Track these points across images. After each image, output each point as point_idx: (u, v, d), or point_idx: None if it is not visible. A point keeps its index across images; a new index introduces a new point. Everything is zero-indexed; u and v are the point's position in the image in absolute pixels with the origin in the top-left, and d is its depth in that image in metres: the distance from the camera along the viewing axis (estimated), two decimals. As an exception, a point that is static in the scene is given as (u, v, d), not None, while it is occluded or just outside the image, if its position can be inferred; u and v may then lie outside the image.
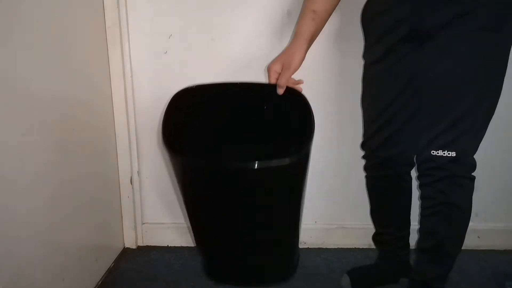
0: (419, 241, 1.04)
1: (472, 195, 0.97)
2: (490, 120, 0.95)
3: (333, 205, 1.43)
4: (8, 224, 0.82)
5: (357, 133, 1.37)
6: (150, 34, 1.27)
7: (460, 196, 0.95)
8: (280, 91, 1.00)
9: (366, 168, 1.19)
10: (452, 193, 0.94)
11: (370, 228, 1.44)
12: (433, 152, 0.92)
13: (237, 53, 1.28)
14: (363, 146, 1.15)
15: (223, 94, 1.06)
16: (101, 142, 1.25)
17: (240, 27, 1.26)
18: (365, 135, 1.15)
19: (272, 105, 1.04)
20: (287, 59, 0.98)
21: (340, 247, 1.44)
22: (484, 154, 1.34)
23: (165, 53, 1.29)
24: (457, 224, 0.98)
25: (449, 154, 0.91)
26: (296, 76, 1.03)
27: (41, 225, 0.93)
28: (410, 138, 1.04)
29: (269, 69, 1.00)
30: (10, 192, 0.82)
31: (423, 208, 0.99)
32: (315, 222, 1.44)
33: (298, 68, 0.98)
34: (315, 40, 1.04)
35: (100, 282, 1.23)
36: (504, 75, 0.92)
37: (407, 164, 1.11)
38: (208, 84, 1.07)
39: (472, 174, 0.96)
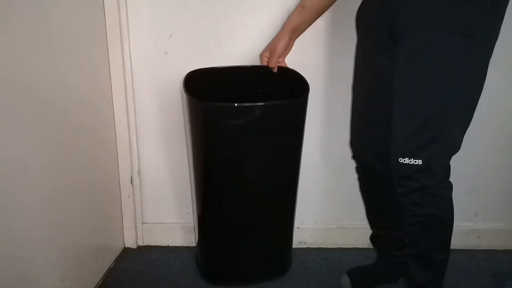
0: (407, 247, 1.03)
1: (451, 202, 0.95)
2: (466, 126, 0.92)
3: (333, 205, 1.43)
4: (8, 224, 0.82)
5: (357, 133, 1.37)
6: (150, 34, 1.27)
7: (437, 207, 0.93)
8: (274, 70, 1.16)
9: (356, 169, 1.20)
10: (428, 204, 0.92)
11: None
12: (400, 160, 0.90)
13: (237, 53, 1.28)
14: (350, 145, 1.18)
15: (231, 74, 1.22)
16: (101, 142, 1.25)
17: (240, 27, 1.26)
18: (350, 134, 1.19)
19: (270, 81, 1.19)
20: (273, 46, 1.13)
21: (340, 247, 1.44)
22: (484, 154, 1.35)
23: (165, 53, 1.29)
24: (438, 234, 0.97)
25: (415, 162, 0.88)
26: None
27: (41, 225, 0.93)
28: (383, 141, 1.02)
29: (260, 55, 1.21)
30: (10, 192, 0.82)
31: (404, 217, 0.98)
32: (315, 222, 1.45)
33: (282, 53, 1.12)
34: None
35: (100, 282, 1.23)
36: (481, 80, 0.89)
37: (386, 167, 1.09)
38: (215, 67, 1.22)
39: (446, 182, 0.94)
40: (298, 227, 1.40)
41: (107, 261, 1.31)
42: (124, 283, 1.24)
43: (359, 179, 1.21)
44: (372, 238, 1.26)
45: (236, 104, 0.98)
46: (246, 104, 0.98)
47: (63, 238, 1.03)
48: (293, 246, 1.33)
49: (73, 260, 1.08)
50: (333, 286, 1.24)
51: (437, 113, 0.88)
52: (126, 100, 1.30)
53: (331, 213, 1.44)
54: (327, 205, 1.43)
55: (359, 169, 1.18)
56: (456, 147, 0.93)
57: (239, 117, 1.00)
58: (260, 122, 1.01)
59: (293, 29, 1.11)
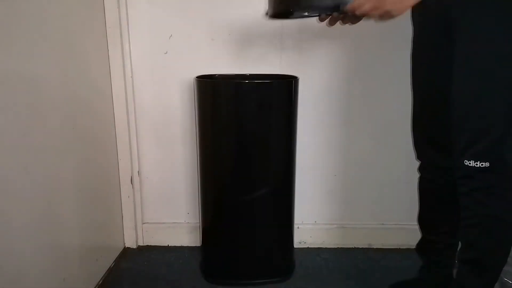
0: (460, 252, 0.98)
1: None
2: None
3: (333, 205, 1.43)
4: (8, 224, 0.82)
5: (357, 133, 1.37)
6: (150, 34, 1.28)
7: (501, 208, 0.89)
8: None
9: (418, 168, 1.12)
10: (491, 204, 0.88)
11: (370, 228, 1.45)
12: (465, 162, 0.87)
13: (237, 54, 1.28)
14: (414, 145, 1.10)
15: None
16: (101, 142, 1.25)
17: (240, 27, 1.26)
18: (413, 135, 1.10)
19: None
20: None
21: (340, 247, 1.45)
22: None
23: (165, 53, 1.29)
24: (498, 237, 0.91)
25: (482, 164, 0.85)
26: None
27: (42, 225, 0.93)
28: (440, 141, 0.98)
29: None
30: (10, 192, 0.82)
31: (462, 218, 0.93)
32: (315, 222, 1.45)
33: None
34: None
35: (100, 281, 1.23)
36: None
37: (443, 168, 1.02)
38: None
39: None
40: (298, 227, 1.40)
41: (107, 261, 1.31)
42: (124, 283, 1.24)
43: (420, 177, 1.13)
44: (421, 245, 1.16)
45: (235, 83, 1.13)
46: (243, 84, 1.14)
47: (63, 238, 1.03)
48: (293, 246, 1.33)
49: (73, 260, 1.08)
50: (333, 286, 1.24)
51: (501, 114, 0.84)
52: (126, 100, 1.30)
53: (331, 213, 1.44)
54: (327, 205, 1.43)
55: (422, 168, 1.11)
56: None
57: (239, 94, 1.12)
58: (255, 99, 1.11)
59: None
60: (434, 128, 1.02)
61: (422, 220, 1.14)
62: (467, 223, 0.92)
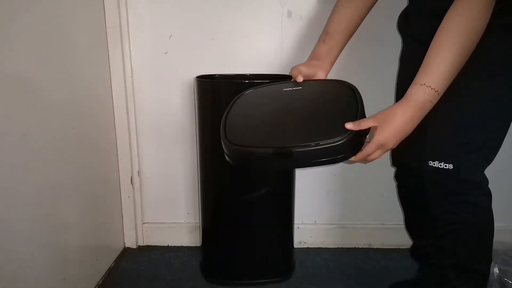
0: (444, 257, 0.97)
1: (488, 210, 0.91)
2: (503, 136, 0.88)
3: (333, 205, 1.43)
4: (8, 224, 0.82)
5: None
6: (150, 34, 1.28)
7: (472, 214, 0.88)
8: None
9: (394, 176, 1.12)
10: (462, 211, 0.88)
11: (370, 228, 1.45)
12: (430, 163, 0.86)
13: (237, 54, 1.28)
14: (390, 152, 1.09)
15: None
16: (101, 142, 1.25)
17: (240, 27, 1.26)
18: None
19: None
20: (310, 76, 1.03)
21: (340, 247, 1.45)
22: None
23: (165, 53, 1.29)
24: (474, 242, 0.91)
25: (445, 166, 0.84)
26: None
27: (42, 225, 0.93)
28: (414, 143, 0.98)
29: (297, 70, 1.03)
30: (10, 192, 0.82)
31: (438, 226, 0.93)
32: (315, 222, 1.45)
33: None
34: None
35: (100, 281, 1.23)
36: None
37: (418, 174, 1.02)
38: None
39: (481, 189, 0.89)
40: (298, 227, 1.40)
41: (107, 261, 1.31)
42: (124, 283, 1.24)
43: (398, 186, 1.12)
44: (413, 250, 1.15)
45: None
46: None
47: (63, 238, 1.03)
48: (293, 246, 1.33)
49: (73, 260, 1.08)
50: (333, 286, 1.24)
51: (473, 118, 0.84)
52: (126, 100, 1.30)
53: (331, 213, 1.44)
54: (327, 205, 1.43)
55: (397, 175, 1.10)
56: (492, 155, 0.89)
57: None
58: None
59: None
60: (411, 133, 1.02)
61: (408, 226, 1.13)
62: (443, 231, 0.92)
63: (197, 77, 1.16)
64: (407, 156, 1.02)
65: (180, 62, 1.29)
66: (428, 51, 0.80)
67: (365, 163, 0.88)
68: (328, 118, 0.86)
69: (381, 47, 1.28)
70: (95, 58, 1.20)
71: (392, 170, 1.39)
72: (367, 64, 1.30)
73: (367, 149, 0.80)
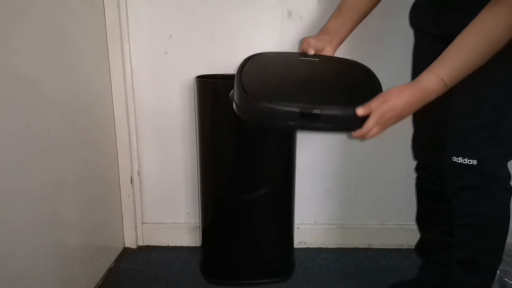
0: (454, 252, 0.97)
1: (507, 206, 0.90)
2: None
3: (333, 205, 1.43)
4: (8, 224, 0.82)
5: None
6: (150, 34, 1.28)
7: (491, 208, 0.89)
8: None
9: (415, 168, 1.13)
10: (482, 204, 0.88)
11: (370, 228, 1.45)
12: (454, 159, 0.87)
13: (237, 54, 1.28)
14: (412, 146, 1.12)
15: None
16: (101, 142, 1.25)
17: (240, 27, 1.26)
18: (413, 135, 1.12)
19: None
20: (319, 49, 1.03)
21: (340, 247, 1.45)
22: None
23: (165, 53, 1.29)
24: (490, 237, 0.91)
25: (470, 162, 0.85)
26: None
27: (41, 225, 0.93)
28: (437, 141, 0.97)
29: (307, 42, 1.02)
30: (10, 192, 0.82)
31: (454, 218, 0.94)
32: (315, 222, 1.45)
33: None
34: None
35: (100, 281, 1.23)
36: None
37: (439, 167, 1.01)
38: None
39: (503, 184, 0.89)
40: (298, 227, 1.40)
41: (107, 261, 1.31)
42: (124, 283, 1.24)
43: (417, 177, 1.13)
44: (420, 244, 1.17)
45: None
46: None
47: (63, 238, 1.03)
48: (293, 246, 1.33)
49: (73, 260, 1.08)
50: (333, 286, 1.24)
51: (496, 114, 0.85)
52: (126, 100, 1.30)
53: (331, 213, 1.44)
54: (327, 205, 1.43)
55: (418, 168, 1.12)
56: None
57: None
58: None
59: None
60: (431, 127, 1.02)
61: (420, 219, 1.15)
62: (458, 223, 0.93)
63: (197, 77, 1.16)
64: (430, 151, 1.03)
65: (180, 62, 1.29)
66: (452, 45, 0.80)
67: (363, 140, 0.88)
68: (352, 89, 0.86)
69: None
70: (95, 58, 1.20)
71: (392, 170, 1.39)
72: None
73: (367, 124, 0.80)
